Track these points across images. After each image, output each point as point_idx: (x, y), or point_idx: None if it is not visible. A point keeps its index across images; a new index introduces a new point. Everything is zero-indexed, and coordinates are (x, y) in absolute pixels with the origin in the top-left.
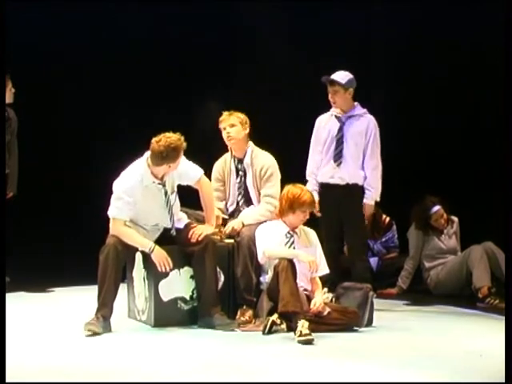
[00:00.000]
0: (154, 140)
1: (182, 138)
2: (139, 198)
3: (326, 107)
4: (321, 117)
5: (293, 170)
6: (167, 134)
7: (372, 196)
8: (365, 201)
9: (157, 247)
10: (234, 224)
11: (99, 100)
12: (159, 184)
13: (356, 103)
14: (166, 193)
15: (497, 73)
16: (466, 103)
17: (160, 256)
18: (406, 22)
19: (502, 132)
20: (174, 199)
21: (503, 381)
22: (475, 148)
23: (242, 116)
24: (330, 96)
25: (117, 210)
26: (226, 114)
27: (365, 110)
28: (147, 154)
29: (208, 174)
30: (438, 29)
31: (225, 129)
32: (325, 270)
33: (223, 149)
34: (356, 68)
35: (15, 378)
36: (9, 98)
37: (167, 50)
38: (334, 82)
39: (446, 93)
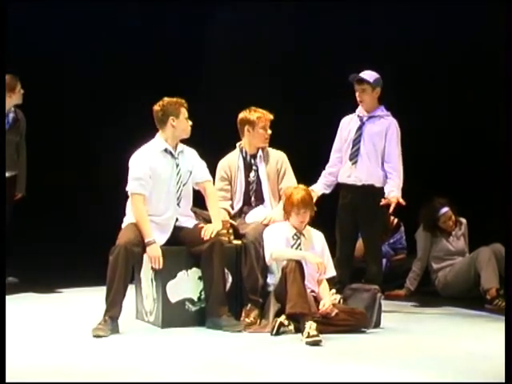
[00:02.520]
0: (154, 106)
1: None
2: (153, 166)
3: (327, 107)
4: (345, 118)
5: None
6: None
7: (396, 184)
8: (389, 193)
9: (155, 244)
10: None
11: (99, 100)
12: (171, 153)
13: (381, 105)
14: (177, 165)
15: (497, 73)
16: (466, 103)
17: (154, 253)
18: (406, 22)
19: (501, 132)
20: (187, 179)
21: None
22: (475, 148)
23: None
24: (357, 94)
25: (134, 184)
26: (261, 111)
27: (388, 113)
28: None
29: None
30: (438, 29)
31: (265, 128)
32: (331, 272)
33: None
34: (356, 68)
35: (15, 378)
36: (18, 99)
37: (167, 50)
38: (362, 81)
39: (445, 93)
